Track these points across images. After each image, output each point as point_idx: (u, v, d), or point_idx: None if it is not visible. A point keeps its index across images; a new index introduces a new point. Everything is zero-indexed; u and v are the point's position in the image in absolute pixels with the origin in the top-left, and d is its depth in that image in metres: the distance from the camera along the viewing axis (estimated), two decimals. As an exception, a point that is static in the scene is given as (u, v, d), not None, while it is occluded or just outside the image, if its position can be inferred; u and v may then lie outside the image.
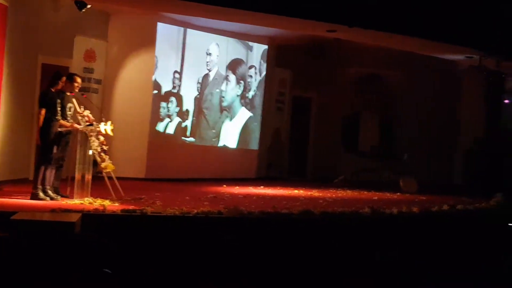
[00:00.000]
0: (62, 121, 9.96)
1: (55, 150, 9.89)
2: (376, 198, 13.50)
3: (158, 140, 14.46)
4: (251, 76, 16.34)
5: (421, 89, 17.72)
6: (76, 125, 10.11)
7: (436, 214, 11.65)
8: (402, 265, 9.41)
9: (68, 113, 10.14)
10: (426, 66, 17.08)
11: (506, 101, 18.61)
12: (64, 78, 10.11)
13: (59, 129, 9.95)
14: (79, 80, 10.33)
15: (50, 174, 9.92)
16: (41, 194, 9.75)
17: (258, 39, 16.19)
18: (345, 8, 12.72)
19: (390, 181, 15.76)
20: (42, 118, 9.80)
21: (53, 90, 9.98)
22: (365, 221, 10.46)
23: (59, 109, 9.90)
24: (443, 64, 17.08)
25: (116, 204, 9.65)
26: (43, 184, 9.82)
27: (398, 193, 14.71)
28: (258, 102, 16.51)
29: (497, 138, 17.33)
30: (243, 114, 16.21)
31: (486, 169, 16.35)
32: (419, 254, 10.02)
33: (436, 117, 17.76)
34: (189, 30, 14.90)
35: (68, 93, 10.21)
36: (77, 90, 10.32)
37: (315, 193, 13.81)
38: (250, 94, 16.36)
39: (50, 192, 9.87)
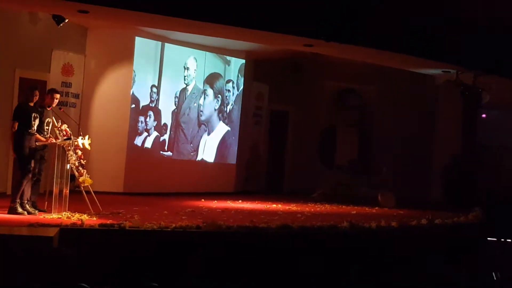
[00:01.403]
0: (38, 136, 9.90)
1: (32, 164, 9.82)
2: (354, 212, 13.53)
3: (136, 154, 14.40)
4: (228, 91, 16.36)
5: (398, 104, 17.84)
6: (52, 139, 10.05)
7: (415, 228, 11.69)
8: (380, 280, 9.44)
9: (46, 127, 10.08)
10: (403, 81, 17.21)
11: (483, 115, 18.82)
12: (37, 92, 10.04)
13: (36, 143, 9.89)
14: (57, 96, 10.29)
15: (27, 188, 9.84)
16: (19, 209, 9.66)
17: (236, 54, 16.23)
18: (321, 23, 12.78)
19: (368, 195, 15.80)
20: (13, 131, 9.76)
21: (31, 104, 9.92)
22: (343, 235, 10.48)
23: (34, 122, 9.83)
24: (420, 78, 17.20)
25: (94, 219, 9.60)
26: (21, 198, 9.74)
27: (377, 208, 14.75)
28: (236, 116, 16.52)
29: (473, 153, 17.46)
30: (220, 128, 16.21)
31: (463, 184, 16.46)
32: (398, 268, 10.06)
33: (413, 132, 17.87)
34: (167, 45, 14.90)
35: (48, 108, 10.17)
36: (54, 105, 10.28)
37: (293, 207, 13.82)
38: (228, 108, 16.38)
39: (28, 207, 9.79)
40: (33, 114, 9.84)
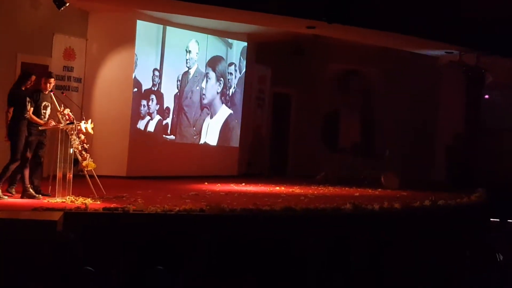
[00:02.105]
0: (37, 120, 9.86)
1: (27, 149, 9.79)
2: (357, 194, 13.54)
3: (139, 138, 14.40)
4: (231, 74, 16.33)
5: (401, 85, 17.78)
6: (52, 122, 10.04)
7: (418, 210, 11.70)
8: (384, 261, 9.46)
9: (43, 111, 10.03)
10: (407, 62, 17.15)
11: (486, 96, 18.76)
12: (33, 77, 10.00)
13: (39, 128, 9.89)
14: (51, 80, 10.20)
15: (26, 173, 9.84)
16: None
17: (238, 36, 16.18)
18: (324, 4, 12.74)
19: (371, 177, 15.81)
20: (10, 116, 9.74)
21: (23, 88, 9.87)
22: (347, 217, 10.50)
23: (29, 107, 9.79)
24: (423, 59, 17.15)
25: (98, 202, 9.62)
26: (23, 183, 9.78)
27: (380, 189, 14.76)
28: (238, 99, 16.50)
29: (476, 134, 17.45)
30: (223, 112, 16.20)
31: (466, 165, 16.46)
32: (401, 249, 10.08)
33: (416, 113, 17.83)
34: (168, 28, 14.85)
35: (46, 92, 10.13)
36: (49, 89, 10.20)
37: (296, 189, 13.83)
38: (230, 91, 16.36)
39: (31, 191, 9.81)
40: (27, 99, 9.79)
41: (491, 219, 13.91)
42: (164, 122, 14.93)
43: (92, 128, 10.48)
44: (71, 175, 9.98)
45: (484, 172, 16.62)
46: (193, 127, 15.56)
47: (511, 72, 17.05)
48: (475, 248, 10.88)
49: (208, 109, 15.87)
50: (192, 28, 15.18)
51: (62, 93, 11.39)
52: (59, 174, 9.89)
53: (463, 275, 9.15)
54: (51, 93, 10.36)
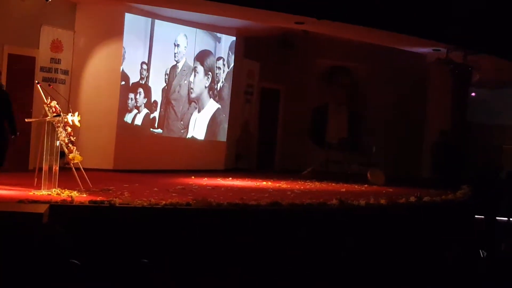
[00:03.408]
0: None
1: None
2: (344, 190, 13.59)
3: (126, 132, 14.38)
4: (219, 68, 16.32)
5: (389, 82, 17.86)
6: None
7: (403, 206, 11.76)
8: (368, 258, 9.50)
9: None
10: (394, 59, 17.21)
11: (473, 94, 18.87)
12: None
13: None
14: None
15: None
16: None
17: (226, 31, 16.16)
18: (313, 1, 12.76)
19: (357, 173, 15.87)
20: None
21: None
22: (333, 213, 10.54)
23: None
24: (411, 57, 17.23)
25: (84, 195, 9.59)
26: None
27: (366, 185, 14.82)
28: (226, 93, 16.50)
29: (462, 131, 17.56)
30: (211, 106, 16.20)
31: (452, 162, 16.56)
32: (386, 246, 10.14)
33: (403, 110, 17.92)
34: (157, 21, 14.82)
35: None
36: None
37: (283, 184, 13.87)
38: (218, 85, 16.35)
39: None
40: None
41: (475, 216, 14.02)
42: (152, 115, 14.90)
43: (79, 121, 10.44)
44: (57, 168, 9.94)
45: (469, 168, 16.72)
46: (181, 121, 15.55)
47: (497, 71, 17.16)
48: (459, 244, 10.97)
49: (196, 103, 15.86)
50: (180, 22, 15.15)
51: (49, 85, 11.34)
52: (45, 167, 9.85)
53: (446, 270, 9.22)
54: (38, 85, 10.32)
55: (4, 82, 10.28)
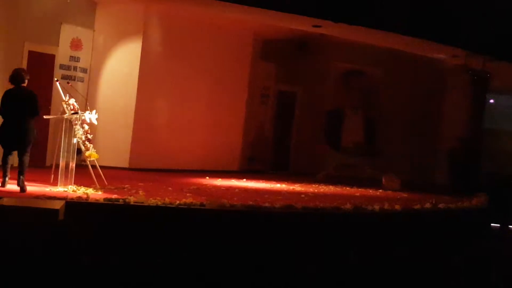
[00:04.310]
0: None
1: None
2: (358, 194, 13.57)
3: (143, 131, 14.43)
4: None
5: (405, 87, 17.78)
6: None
7: (418, 212, 11.72)
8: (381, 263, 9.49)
9: None
10: (412, 64, 17.16)
11: (491, 101, 18.76)
12: None
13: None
14: None
15: None
16: None
17: (243, 33, 16.12)
18: (330, 4, 12.77)
19: (372, 177, 15.82)
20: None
21: None
22: (346, 217, 10.54)
23: None
24: (429, 62, 17.17)
25: (99, 193, 9.67)
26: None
27: (381, 190, 14.79)
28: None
29: (479, 138, 17.46)
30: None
31: (469, 168, 16.48)
32: (399, 252, 10.11)
33: (420, 115, 17.83)
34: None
35: None
36: None
37: (297, 187, 13.87)
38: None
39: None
40: None
41: (491, 224, 13.92)
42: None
43: (96, 119, 10.53)
44: (74, 165, 10.02)
45: (486, 175, 16.63)
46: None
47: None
48: (474, 252, 10.92)
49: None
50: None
51: (68, 83, 11.45)
52: (62, 164, 9.94)
53: (458, 278, 9.19)
54: (57, 83, 10.41)
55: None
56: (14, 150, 9.74)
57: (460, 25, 14.14)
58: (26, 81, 9.77)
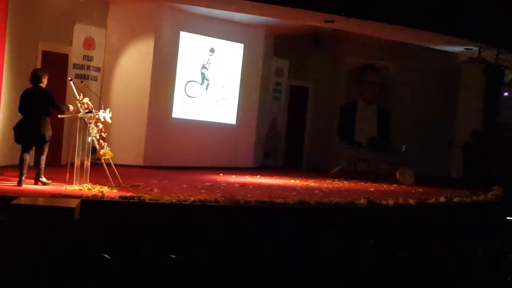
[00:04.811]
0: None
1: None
2: (372, 189, 13.55)
3: (156, 128, 14.49)
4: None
5: (419, 81, 17.75)
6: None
7: (433, 206, 11.69)
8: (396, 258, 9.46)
9: None
10: (424, 57, 17.11)
11: (506, 94, 18.64)
12: None
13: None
14: None
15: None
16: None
17: (256, 28, 16.14)
18: (342, -1, 12.78)
19: (387, 172, 15.79)
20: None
21: None
22: (361, 212, 10.53)
23: None
24: (442, 55, 17.10)
25: (115, 191, 9.73)
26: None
27: (395, 185, 14.76)
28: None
29: (493, 131, 17.37)
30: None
31: (484, 162, 16.40)
32: (414, 246, 10.09)
33: (434, 109, 17.78)
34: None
35: None
36: None
37: (311, 183, 13.87)
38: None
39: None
40: None
41: (507, 218, 13.85)
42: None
43: (110, 117, 10.59)
44: (89, 163, 10.09)
45: (500, 169, 16.53)
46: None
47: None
48: (489, 247, 10.86)
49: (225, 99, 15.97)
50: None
51: (82, 82, 11.52)
52: (77, 162, 10.01)
53: (474, 273, 9.15)
54: (71, 82, 10.49)
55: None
56: (30, 148, 9.91)
57: (474, 18, 14.06)
58: (44, 80, 9.96)
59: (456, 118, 18.10)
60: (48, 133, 9.91)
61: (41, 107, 9.84)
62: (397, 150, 16.75)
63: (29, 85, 10.00)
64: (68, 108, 10.30)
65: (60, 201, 8.37)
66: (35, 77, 9.92)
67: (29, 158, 9.96)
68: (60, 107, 10.15)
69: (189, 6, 14.24)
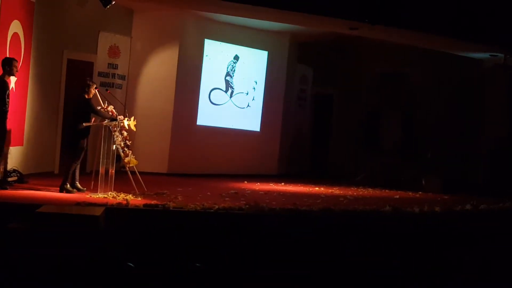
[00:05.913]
0: None
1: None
2: (397, 196, 13.45)
3: (181, 136, 14.53)
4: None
5: (444, 87, 17.59)
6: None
7: (459, 214, 11.56)
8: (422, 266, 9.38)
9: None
10: (450, 64, 16.97)
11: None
12: None
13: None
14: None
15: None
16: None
17: (280, 36, 16.12)
18: (367, 6, 12.70)
19: (412, 179, 15.66)
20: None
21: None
22: (386, 220, 10.44)
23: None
24: (467, 62, 16.96)
25: (139, 199, 9.76)
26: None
27: (421, 192, 14.64)
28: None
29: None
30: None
31: (510, 169, 16.21)
32: (441, 253, 9.99)
33: (459, 116, 17.62)
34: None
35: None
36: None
37: (336, 190, 13.81)
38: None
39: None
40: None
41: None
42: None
43: (135, 125, 10.63)
44: (113, 171, 10.13)
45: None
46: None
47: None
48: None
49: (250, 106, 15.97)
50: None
51: (106, 90, 11.58)
52: (101, 170, 10.06)
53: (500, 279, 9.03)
54: (96, 90, 10.57)
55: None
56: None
57: (499, 25, 13.93)
58: (88, 90, 10.26)
59: (482, 125, 17.90)
60: (77, 142, 10.23)
61: (74, 116, 10.42)
62: (422, 157, 16.62)
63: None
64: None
65: (85, 209, 8.41)
66: (80, 88, 10.43)
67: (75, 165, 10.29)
68: (97, 112, 10.41)
69: (214, 14, 14.26)
